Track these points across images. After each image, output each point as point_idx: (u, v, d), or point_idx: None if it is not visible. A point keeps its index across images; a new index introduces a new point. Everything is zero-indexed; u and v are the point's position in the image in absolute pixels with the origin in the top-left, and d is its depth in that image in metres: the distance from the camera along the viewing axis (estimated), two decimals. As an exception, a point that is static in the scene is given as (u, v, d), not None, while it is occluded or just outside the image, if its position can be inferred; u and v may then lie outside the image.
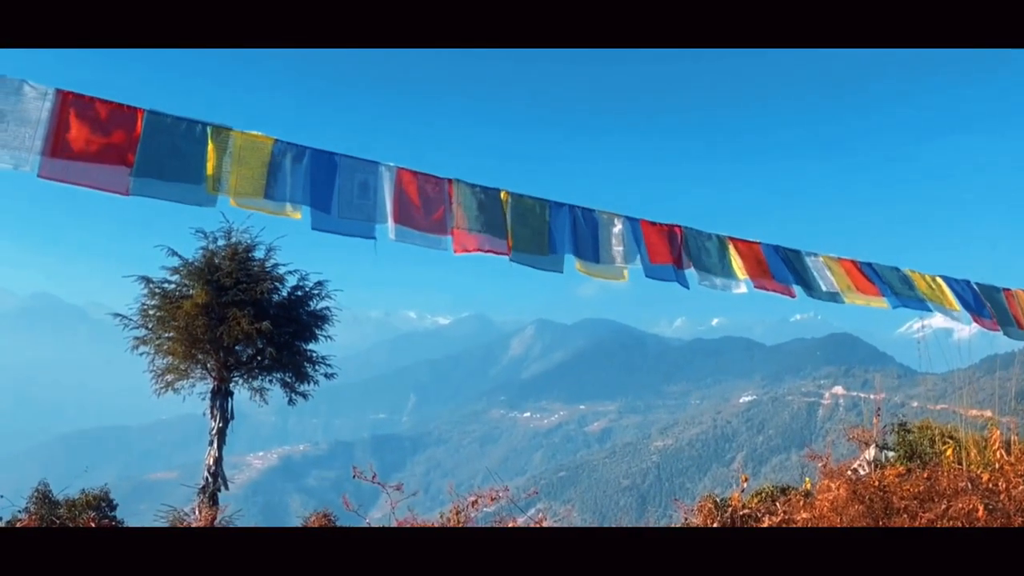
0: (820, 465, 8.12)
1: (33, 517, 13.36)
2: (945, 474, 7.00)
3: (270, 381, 16.49)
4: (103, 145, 5.79)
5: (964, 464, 8.29)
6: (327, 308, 16.84)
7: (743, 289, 8.39)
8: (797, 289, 8.48)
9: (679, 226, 8.61)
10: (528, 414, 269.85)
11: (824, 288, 8.59)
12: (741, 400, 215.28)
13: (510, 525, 7.16)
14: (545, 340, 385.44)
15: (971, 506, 6.13)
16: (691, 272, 8.34)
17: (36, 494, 15.21)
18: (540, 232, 7.80)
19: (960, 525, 6.03)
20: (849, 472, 7.85)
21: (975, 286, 9.15)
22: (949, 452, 8.91)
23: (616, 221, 8.42)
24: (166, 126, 6.19)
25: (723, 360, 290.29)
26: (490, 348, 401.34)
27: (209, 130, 6.54)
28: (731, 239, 8.62)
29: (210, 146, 6.51)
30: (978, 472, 7.16)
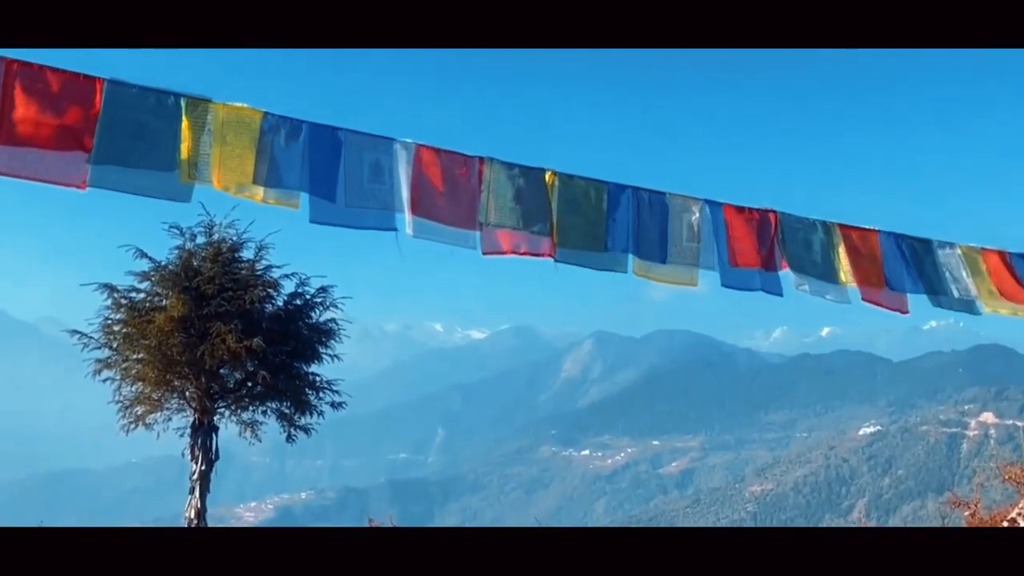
0: (967, 514, 7.71)
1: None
2: None
3: (264, 412, 16.73)
4: (56, 127, 5.83)
5: None
6: (333, 320, 17.03)
7: (847, 299, 8.40)
8: (918, 300, 8.46)
9: (774, 211, 8.59)
10: (587, 452, 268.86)
11: (957, 294, 8.51)
12: (861, 432, 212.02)
13: None
14: (607, 358, 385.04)
15: None
16: (785, 274, 8.37)
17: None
18: (595, 223, 7.93)
19: None
20: (1006, 523, 7.48)
21: None
22: None
23: (692, 207, 8.44)
24: (130, 99, 6.24)
25: (837, 381, 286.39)
26: (537, 369, 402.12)
27: (183, 103, 6.63)
28: (841, 227, 8.58)
29: (185, 123, 6.60)
30: None
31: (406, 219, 7.44)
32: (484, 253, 7.68)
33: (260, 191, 6.81)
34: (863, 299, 8.26)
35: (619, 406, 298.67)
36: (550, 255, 7.83)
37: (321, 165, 7.10)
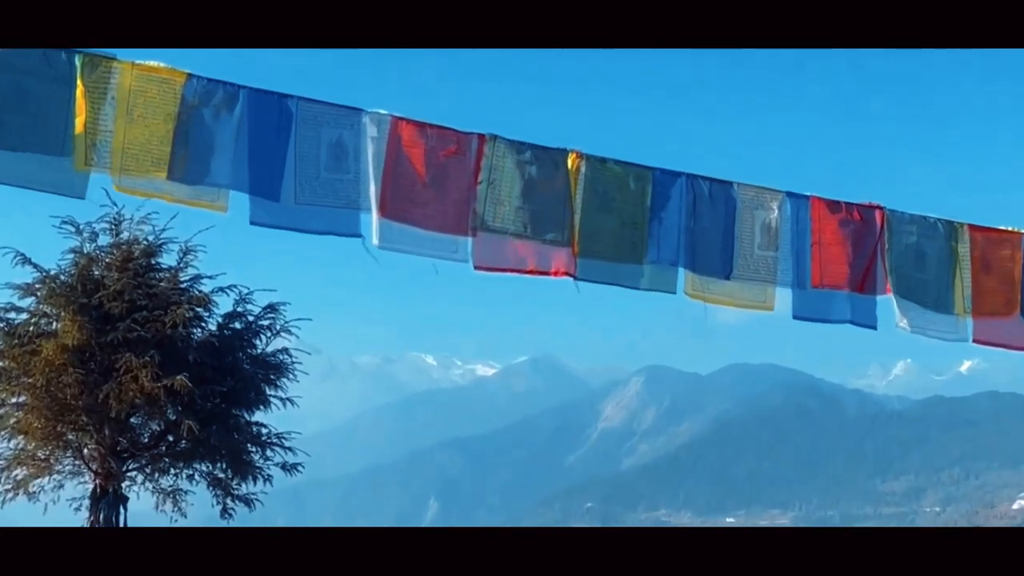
0: None
1: None
2: None
3: (190, 478, 16.82)
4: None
5: None
6: (285, 351, 17.16)
7: (963, 335, 8.50)
8: None
9: (881, 207, 8.67)
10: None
11: None
12: (1016, 506, 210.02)
13: None
14: (662, 402, 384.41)
15: None
16: (886, 299, 8.48)
17: None
18: (635, 224, 8.05)
19: None
20: None
21: None
22: None
23: (770, 201, 8.53)
24: (6, 61, 6.33)
25: (981, 434, 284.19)
26: (565, 417, 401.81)
27: (79, 62, 6.73)
28: (972, 228, 8.65)
29: (80, 89, 6.68)
30: None
31: (373, 222, 7.58)
32: (477, 268, 7.81)
33: (174, 189, 6.90)
34: (976, 339, 8.33)
35: (679, 468, 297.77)
36: (567, 273, 7.95)
37: (263, 147, 7.22)
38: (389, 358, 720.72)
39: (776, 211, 8.59)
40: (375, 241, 7.59)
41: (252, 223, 7.20)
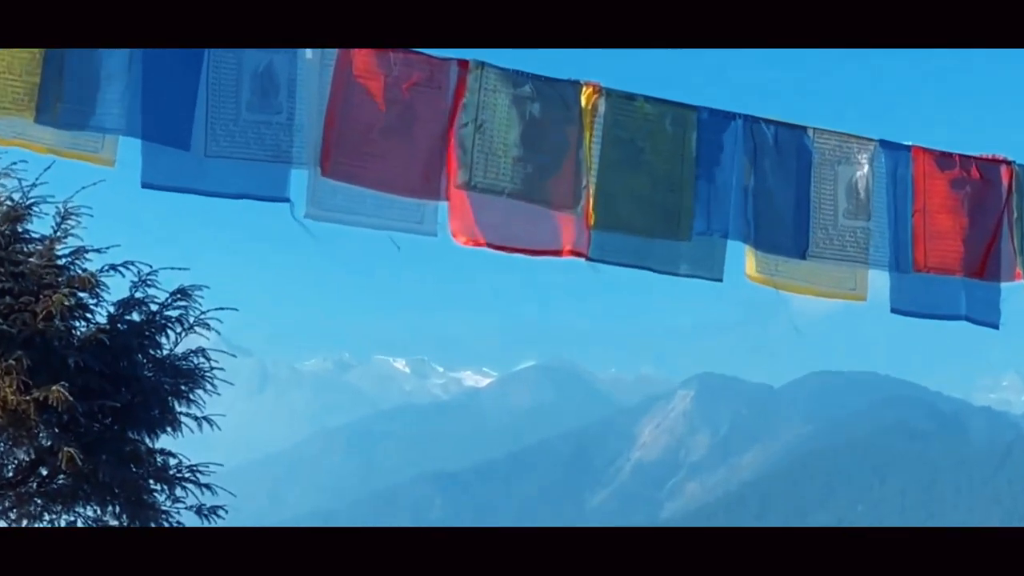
0: None
1: None
2: None
3: (71, 525, 16.88)
4: None
5: None
6: (201, 353, 17.15)
7: None
8: None
9: (1008, 161, 8.72)
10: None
11: None
12: None
13: None
14: (720, 424, 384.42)
15: None
16: (1015, 287, 8.61)
17: None
18: (673, 183, 8.05)
19: None
20: None
21: None
22: None
23: (858, 154, 8.58)
24: None
25: None
26: (587, 445, 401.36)
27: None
28: None
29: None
30: None
31: (309, 180, 7.68)
32: (457, 240, 7.87)
33: (45, 135, 6.94)
34: None
35: (742, 514, 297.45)
36: (576, 252, 8.02)
37: (164, 78, 7.28)
38: (346, 363, 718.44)
39: (866, 167, 8.65)
40: (310, 208, 7.69)
41: (144, 185, 7.27)
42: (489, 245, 8.03)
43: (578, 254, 8.09)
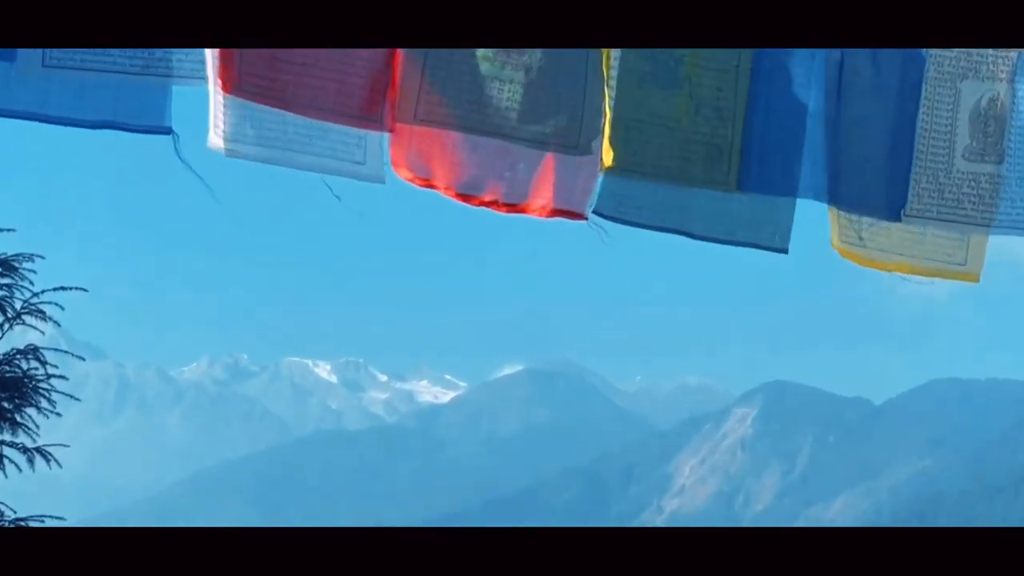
0: None
1: None
2: None
3: None
4: None
5: None
6: (32, 355, 17.19)
7: None
8: None
9: None
10: None
11: None
12: None
13: None
14: (797, 454, 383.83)
15: None
16: None
17: None
18: (720, 110, 8.30)
19: None
20: None
21: None
22: None
23: (994, 67, 8.70)
24: None
25: None
26: (604, 486, 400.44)
27: None
28: None
29: None
30: None
31: (212, 99, 7.88)
32: (398, 170, 8.17)
33: None
34: None
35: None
36: (572, 212, 8.21)
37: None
38: (242, 369, 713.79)
39: (1004, 85, 8.87)
40: (216, 141, 7.93)
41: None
42: (456, 196, 8.27)
43: (574, 214, 8.29)
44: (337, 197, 8.04)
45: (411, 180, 8.11)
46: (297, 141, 8.11)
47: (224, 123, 7.95)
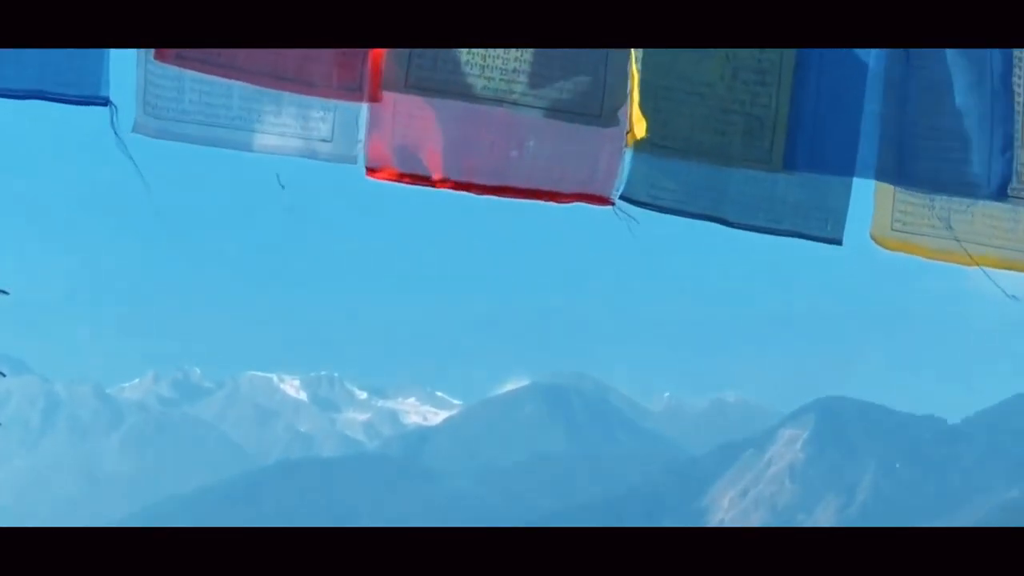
0: None
1: None
2: None
3: None
4: None
5: None
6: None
7: None
8: None
9: None
10: None
11: None
12: None
13: None
14: (857, 484, 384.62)
15: None
16: None
17: None
18: (763, 74, 8.38)
19: None
20: None
21: None
22: None
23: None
24: None
25: None
26: (619, 523, 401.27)
27: None
28: None
29: None
30: None
31: (138, 71, 8.02)
32: (370, 172, 8.26)
33: None
34: None
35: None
36: (594, 196, 8.29)
37: None
38: (194, 385, 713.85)
39: None
40: (144, 121, 8.03)
41: None
42: (438, 180, 8.37)
43: (598, 199, 8.36)
44: (282, 185, 8.07)
45: (392, 177, 8.14)
46: (243, 117, 8.18)
47: (155, 98, 7.96)
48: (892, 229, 8.60)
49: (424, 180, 8.20)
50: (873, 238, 8.61)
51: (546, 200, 8.20)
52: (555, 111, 8.17)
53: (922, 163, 8.47)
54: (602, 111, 8.15)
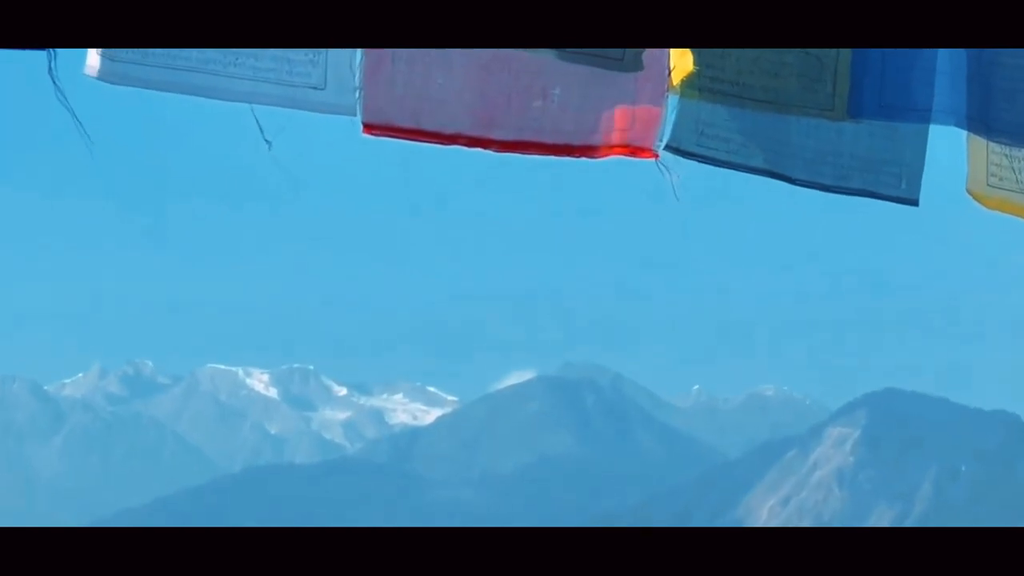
0: None
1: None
2: None
3: None
4: None
5: None
6: None
7: None
8: None
9: None
10: None
11: None
12: None
13: None
14: (915, 490, 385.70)
15: None
16: None
17: None
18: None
19: None
20: None
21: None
22: None
23: None
24: None
25: None
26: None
27: None
28: None
29: None
30: None
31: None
32: (367, 128, 8.26)
33: None
34: None
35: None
36: (640, 148, 8.29)
37: None
38: (146, 380, 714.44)
39: None
40: (95, 62, 8.10)
41: None
42: (439, 137, 8.38)
43: (641, 151, 8.33)
44: (268, 142, 8.04)
45: (393, 133, 8.12)
46: (216, 60, 8.12)
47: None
48: (988, 185, 8.51)
49: (431, 136, 8.12)
50: (970, 193, 8.52)
51: (578, 156, 8.16)
52: (573, 54, 8.11)
53: (1008, 108, 8.39)
54: (624, 54, 8.11)
